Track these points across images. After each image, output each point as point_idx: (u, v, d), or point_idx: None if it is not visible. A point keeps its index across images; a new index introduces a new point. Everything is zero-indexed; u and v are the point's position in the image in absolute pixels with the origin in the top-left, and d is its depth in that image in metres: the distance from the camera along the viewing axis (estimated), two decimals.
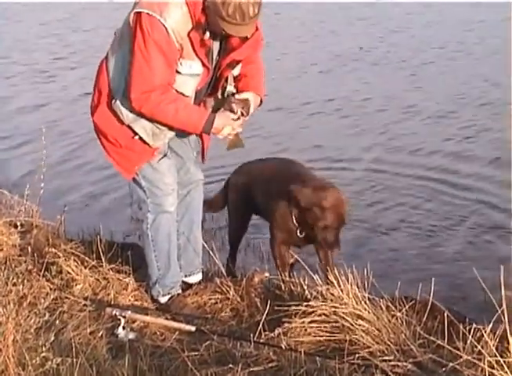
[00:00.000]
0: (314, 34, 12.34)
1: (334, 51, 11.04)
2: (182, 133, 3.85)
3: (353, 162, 6.77)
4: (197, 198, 4.13)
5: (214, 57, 3.68)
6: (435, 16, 13.46)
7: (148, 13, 3.45)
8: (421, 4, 13.94)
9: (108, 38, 3.70)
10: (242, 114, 3.65)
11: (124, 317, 3.65)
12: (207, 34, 3.52)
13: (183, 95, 3.65)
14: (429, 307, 3.68)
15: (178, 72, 3.59)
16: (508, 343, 3.04)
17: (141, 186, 3.87)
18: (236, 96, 3.70)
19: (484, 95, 8.64)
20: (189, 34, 3.50)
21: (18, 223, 3.29)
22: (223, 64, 3.69)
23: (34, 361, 3.04)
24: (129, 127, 3.71)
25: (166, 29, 3.46)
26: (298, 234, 4.04)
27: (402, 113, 8.16)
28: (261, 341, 3.50)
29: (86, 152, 7.04)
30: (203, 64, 3.62)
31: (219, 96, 3.76)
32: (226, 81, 3.72)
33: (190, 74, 3.62)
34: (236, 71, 3.78)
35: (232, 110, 3.64)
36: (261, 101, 3.83)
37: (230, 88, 3.72)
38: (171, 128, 3.73)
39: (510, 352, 3.01)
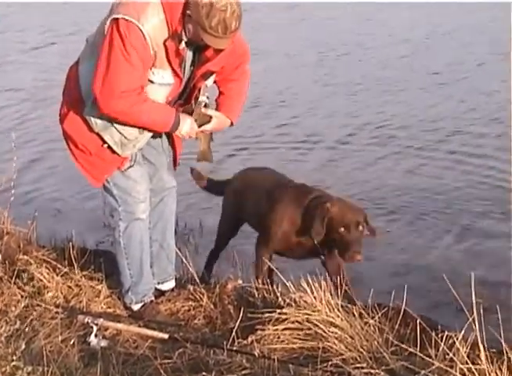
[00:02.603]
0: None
1: None
2: (153, 140, 3.84)
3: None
4: (170, 205, 4.11)
5: (188, 68, 3.67)
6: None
7: (125, 18, 3.42)
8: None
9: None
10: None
11: (97, 325, 3.62)
12: (183, 43, 3.51)
13: None
14: (401, 314, 3.70)
15: (150, 81, 3.58)
16: (479, 350, 3.07)
17: (112, 193, 3.84)
18: (203, 109, 3.72)
19: None
20: (164, 43, 3.48)
21: None
22: (197, 75, 3.68)
23: (4, 370, 3.01)
24: (98, 135, 3.69)
25: (143, 34, 3.43)
26: (294, 238, 3.98)
27: None
28: (235, 348, 3.50)
29: (55, 157, 6.99)
30: (176, 74, 3.61)
31: (192, 106, 3.76)
32: (199, 91, 3.73)
33: (161, 84, 3.61)
34: (210, 82, 3.78)
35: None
36: (232, 123, 3.86)
37: (203, 98, 3.73)
38: (139, 136, 3.70)
39: (481, 359, 3.04)
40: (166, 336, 3.60)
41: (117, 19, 3.44)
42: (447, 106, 8.40)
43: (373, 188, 6.33)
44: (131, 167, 3.80)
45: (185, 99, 3.79)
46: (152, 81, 3.58)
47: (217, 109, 3.83)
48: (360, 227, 3.80)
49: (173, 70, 3.58)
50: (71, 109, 3.72)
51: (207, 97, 3.76)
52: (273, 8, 13.28)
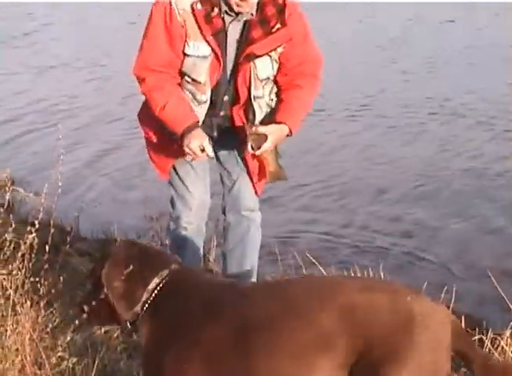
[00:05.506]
0: None
1: None
2: (228, 152, 3.67)
3: None
4: (253, 231, 3.77)
5: (233, 47, 3.43)
6: None
7: None
8: None
9: None
10: (252, 148, 3.37)
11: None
12: (216, 10, 3.35)
13: (196, 81, 3.44)
14: None
15: (185, 54, 3.41)
16: None
17: (170, 193, 3.71)
18: (254, 129, 3.39)
19: None
20: (192, 7, 3.34)
21: (36, 222, 3.28)
22: (241, 56, 3.41)
23: (50, 360, 3.05)
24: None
25: (170, 2, 3.34)
26: None
27: None
28: None
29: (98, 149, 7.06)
30: (211, 47, 3.38)
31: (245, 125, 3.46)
32: (250, 82, 3.46)
33: (197, 56, 3.40)
34: (262, 74, 3.48)
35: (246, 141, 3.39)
36: (291, 131, 3.46)
37: (258, 92, 3.47)
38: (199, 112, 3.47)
39: None
40: None
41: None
42: None
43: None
44: (192, 160, 3.53)
45: (233, 88, 3.49)
46: (187, 54, 3.40)
47: (274, 116, 3.48)
48: None
49: (206, 41, 3.37)
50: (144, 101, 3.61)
51: (271, 99, 3.54)
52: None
